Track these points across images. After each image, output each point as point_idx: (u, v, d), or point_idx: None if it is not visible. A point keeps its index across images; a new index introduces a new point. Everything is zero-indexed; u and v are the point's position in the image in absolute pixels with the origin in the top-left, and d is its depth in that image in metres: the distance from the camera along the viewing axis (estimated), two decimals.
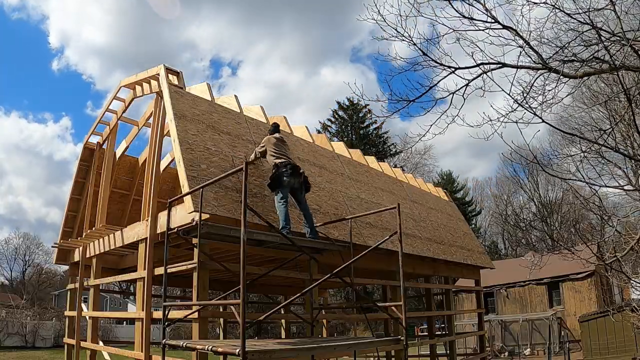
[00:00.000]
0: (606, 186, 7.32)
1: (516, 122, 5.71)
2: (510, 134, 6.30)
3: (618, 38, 5.59)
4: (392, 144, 48.53)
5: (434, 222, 13.29)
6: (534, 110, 5.75)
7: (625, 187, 8.54)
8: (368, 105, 44.66)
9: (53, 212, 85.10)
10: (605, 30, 5.60)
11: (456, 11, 5.61)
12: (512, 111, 5.70)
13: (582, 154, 7.25)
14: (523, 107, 5.64)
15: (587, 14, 5.51)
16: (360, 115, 48.20)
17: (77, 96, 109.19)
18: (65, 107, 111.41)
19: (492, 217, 56.87)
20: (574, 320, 23.33)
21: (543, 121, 5.69)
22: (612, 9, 5.51)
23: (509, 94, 5.71)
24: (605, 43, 5.50)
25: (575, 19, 5.61)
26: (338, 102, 48.98)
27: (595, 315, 19.50)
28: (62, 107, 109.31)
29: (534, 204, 51.77)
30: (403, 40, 5.80)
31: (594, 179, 7.34)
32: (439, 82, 6.06)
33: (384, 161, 17.30)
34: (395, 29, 5.88)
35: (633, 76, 7.42)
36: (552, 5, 5.62)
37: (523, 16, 5.74)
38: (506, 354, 25.35)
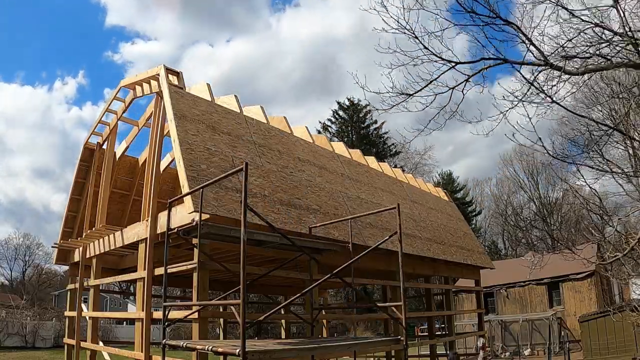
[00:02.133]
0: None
1: (522, 101, 5.65)
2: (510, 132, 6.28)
3: (620, 36, 5.58)
4: (392, 144, 48.55)
5: (434, 222, 13.28)
6: (546, 92, 5.70)
7: (626, 187, 8.53)
8: (368, 105, 44.56)
9: (62, 198, 79.56)
10: (607, 29, 5.59)
11: (460, 5, 5.60)
12: (521, 99, 5.66)
13: (581, 154, 7.24)
14: (534, 86, 5.60)
15: (589, 11, 5.50)
16: (361, 115, 48.16)
17: (92, 39, 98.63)
18: (80, 56, 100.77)
19: (492, 217, 56.86)
20: (574, 320, 23.28)
21: (553, 101, 5.64)
22: (615, 7, 5.50)
23: (519, 72, 5.64)
24: (607, 41, 5.49)
25: (577, 16, 5.60)
26: (338, 102, 49.02)
27: (595, 315, 19.46)
28: (76, 56, 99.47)
29: (534, 204, 51.79)
30: (404, 32, 5.79)
31: (593, 179, 7.32)
32: (439, 76, 6.05)
33: (384, 161, 17.28)
34: (397, 21, 5.86)
35: (634, 75, 7.40)
36: (554, 2, 5.61)
37: (526, 12, 5.74)
38: (507, 354, 25.31)
